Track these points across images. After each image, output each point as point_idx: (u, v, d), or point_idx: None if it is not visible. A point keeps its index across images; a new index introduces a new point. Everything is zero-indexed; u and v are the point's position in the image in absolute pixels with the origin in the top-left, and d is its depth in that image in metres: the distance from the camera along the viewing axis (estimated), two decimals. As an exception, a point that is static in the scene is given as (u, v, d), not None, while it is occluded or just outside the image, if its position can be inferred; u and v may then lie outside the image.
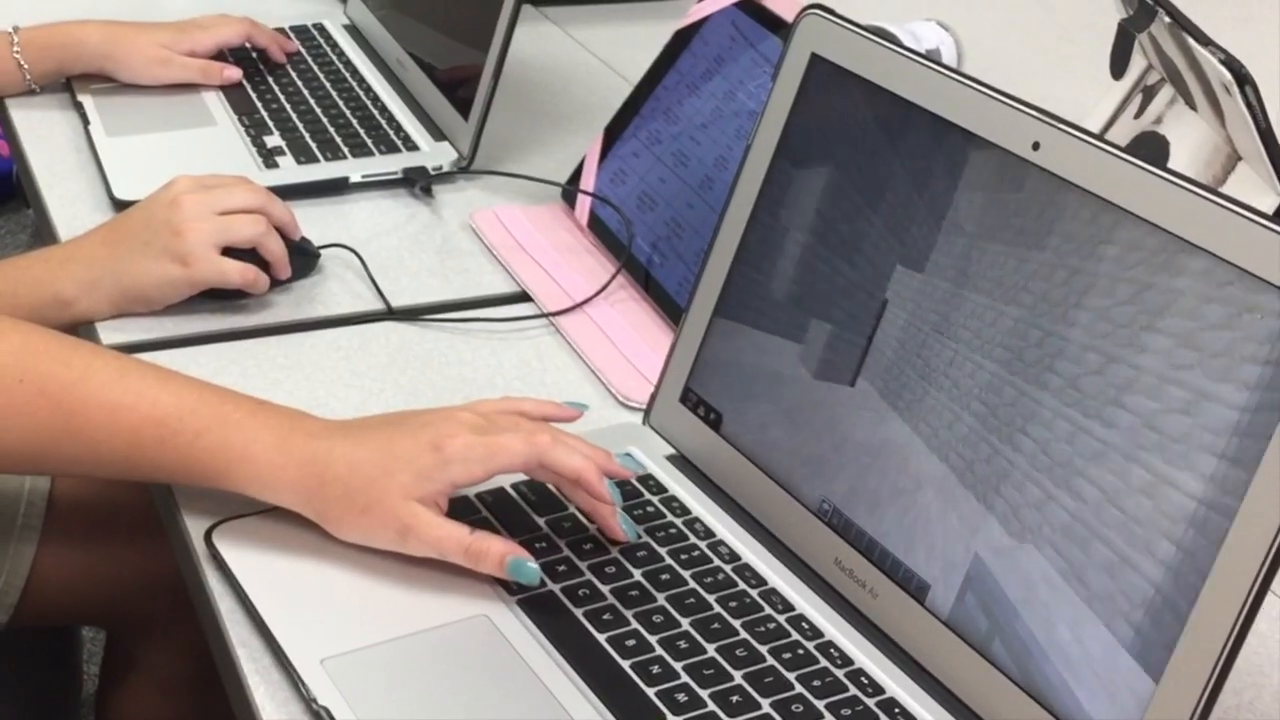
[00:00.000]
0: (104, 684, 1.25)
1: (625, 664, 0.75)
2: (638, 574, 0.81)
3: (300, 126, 1.27)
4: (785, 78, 0.87)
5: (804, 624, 0.79)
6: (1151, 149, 1.05)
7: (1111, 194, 0.70)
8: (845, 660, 0.77)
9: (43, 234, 1.18)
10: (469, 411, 0.81)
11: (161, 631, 1.17)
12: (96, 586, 1.11)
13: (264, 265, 1.04)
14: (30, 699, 1.19)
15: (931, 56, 1.32)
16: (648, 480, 0.88)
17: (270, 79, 1.35)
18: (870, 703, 0.75)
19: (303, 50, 1.40)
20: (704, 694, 0.74)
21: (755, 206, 0.88)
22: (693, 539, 0.84)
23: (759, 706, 0.73)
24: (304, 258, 1.09)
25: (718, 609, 0.79)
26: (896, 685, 0.76)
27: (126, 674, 1.21)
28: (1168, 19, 0.97)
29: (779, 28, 1.08)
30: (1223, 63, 0.93)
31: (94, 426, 0.80)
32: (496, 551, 0.78)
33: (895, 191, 0.81)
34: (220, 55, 1.35)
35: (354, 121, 1.28)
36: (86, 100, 1.28)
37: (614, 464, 0.83)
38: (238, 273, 1.02)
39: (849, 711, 0.74)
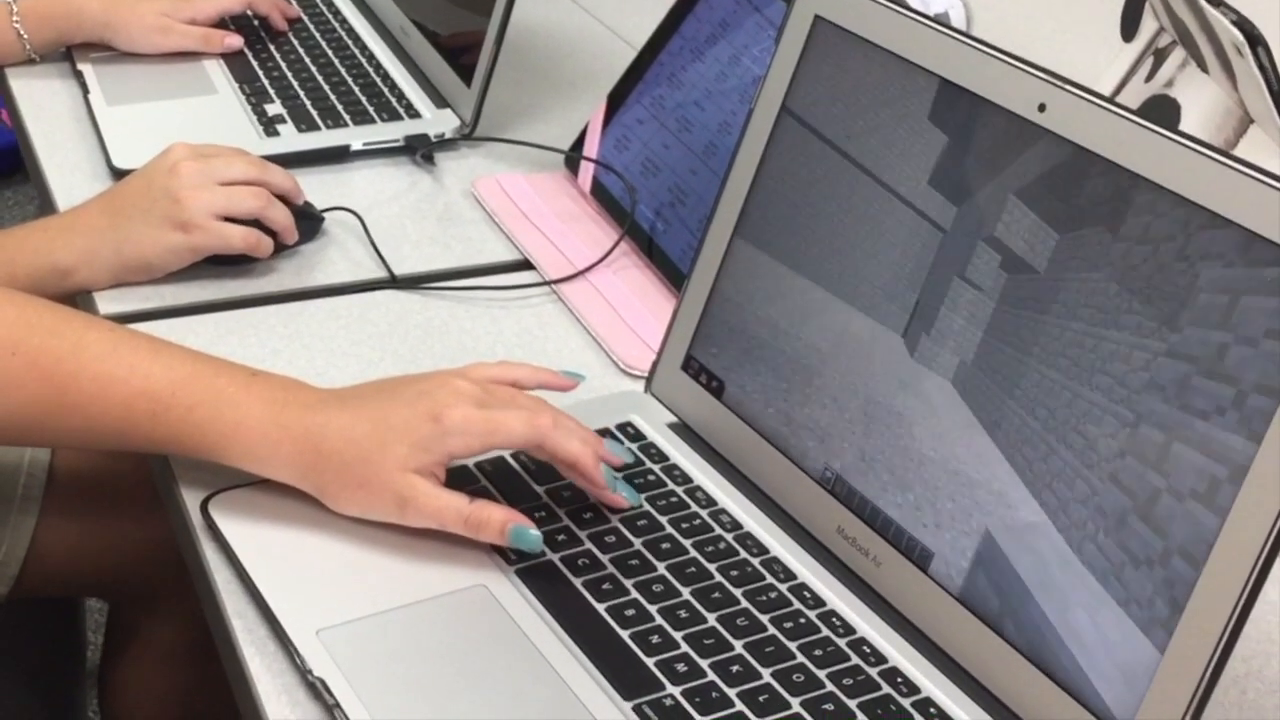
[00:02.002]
0: (107, 654, 1.24)
1: (624, 634, 0.74)
2: (638, 543, 0.80)
3: (301, 94, 1.26)
4: (788, 41, 0.86)
5: (806, 593, 0.78)
6: (1163, 112, 1.04)
7: (1119, 157, 0.69)
8: (847, 629, 0.76)
9: (44, 204, 1.17)
10: (465, 379, 0.80)
11: (163, 602, 1.17)
12: (97, 557, 1.11)
13: (269, 235, 1.04)
14: (34, 669, 1.19)
15: (940, 19, 1.30)
16: (649, 449, 0.87)
17: (272, 46, 1.34)
18: (872, 671, 0.74)
19: (304, 17, 1.39)
20: (704, 664, 0.73)
21: (758, 172, 0.87)
22: (694, 507, 0.83)
23: (759, 676, 0.72)
24: (308, 221, 1.08)
25: (718, 578, 0.78)
26: (899, 654, 0.75)
27: (129, 644, 1.21)
28: (1178, -21, 0.96)
29: (783, -9, 1.06)
30: (1234, 24, 0.91)
31: (87, 400, 0.79)
32: (497, 520, 0.77)
33: (900, 155, 0.79)
34: (222, 23, 1.34)
35: (356, 88, 1.27)
36: (86, 69, 1.27)
37: (604, 448, 0.82)
38: (240, 237, 1.01)
39: (851, 681, 0.73)
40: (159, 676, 1.20)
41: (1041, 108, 0.73)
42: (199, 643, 1.16)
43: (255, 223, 1.02)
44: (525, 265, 1.09)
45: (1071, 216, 0.71)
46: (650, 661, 0.73)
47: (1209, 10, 0.93)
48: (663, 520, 0.82)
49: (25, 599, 1.10)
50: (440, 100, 1.26)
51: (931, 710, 0.72)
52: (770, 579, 0.79)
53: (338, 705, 0.69)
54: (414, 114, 1.24)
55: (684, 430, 0.90)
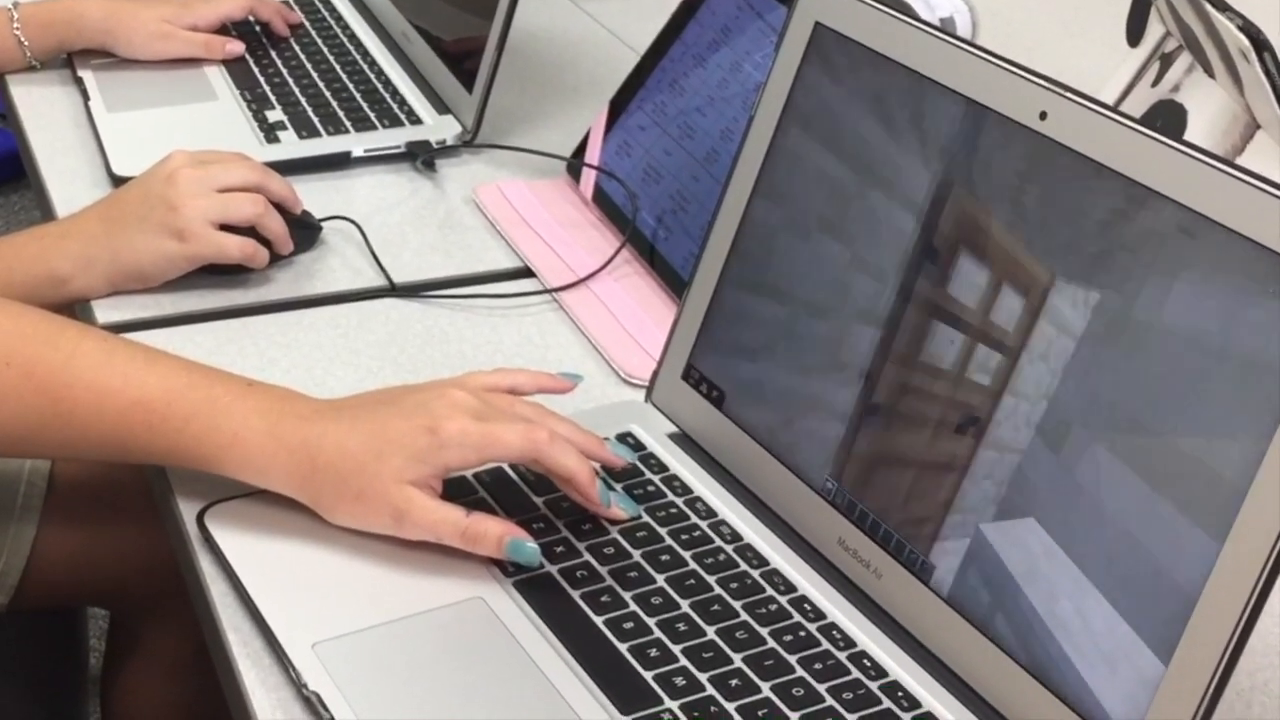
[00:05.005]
0: (109, 662, 1.24)
1: (622, 647, 0.73)
2: (637, 554, 0.79)
3: (302, 100, 1.25)
4: (788, 48, 0.85)
5: (806, 605, 0.77)
6: (1169, 117, 1.03)
7: (1120, 164, 0.68)
8: (848, 642, 0.75)
9: (44, 211, 1.17)
10: (463, 389, 0.79)
11: (165, 610, 1.16)
12: (98, 567, 1.10)
13: (265, 243, 1.03)
14: (36, 678, 1.18)
15: (945, 25, 1.29)
16: (649, 459, 0.87)
17: (273, 52, 1.33)
18: (873, 686, 0.73)
19: (306, 23, 1.38)
20: (702, 677, 0.72)
21: (757, 180, 0.86)
22: (694, 518, 0.82)
23: (759, 690, 0.72)
24: (306, 231, 1.08)
25: (718, 590, 0.78)
26: (900, 667, 0.74)
27: (130, 654, 1.20)
28: (1183, -16, 0.95)
29: (786, -4, 1.06)
30: (1240, 29, 0.91)
31: (82, 410, 0.79)
32: (494, 533, 0.77)
33: (901, 164, 0.79)
34: (223, 29, 1.33)
35: (357, 95, 1.27)
36: (87, 76, 1.27)
37: (606, 451, 0.81)
38: (236, 247, 1.01)
39: (850, 695, 0.72)
40: (161, 685, 1.20)
41: (1043, 115, 0.72)
42: (201, 651, 1.15)
43: (253, 232, 1.02)
44: (526, 273, 1.09)
45: (1077, 229, 0.70)
46: (648, 675, 0.72)
47: (1215, 15, 0.93)
48: (662, 531, 0.81)
49: (26, 608, 1.09)
50: (442, 106, 1.25)
51: (932, 725, 0.71)
52: (770, 591, 0.78)
53: (332, 720, 0.68)
54: (415, 120, 1.24)
55: (684, 440, 0.89)
